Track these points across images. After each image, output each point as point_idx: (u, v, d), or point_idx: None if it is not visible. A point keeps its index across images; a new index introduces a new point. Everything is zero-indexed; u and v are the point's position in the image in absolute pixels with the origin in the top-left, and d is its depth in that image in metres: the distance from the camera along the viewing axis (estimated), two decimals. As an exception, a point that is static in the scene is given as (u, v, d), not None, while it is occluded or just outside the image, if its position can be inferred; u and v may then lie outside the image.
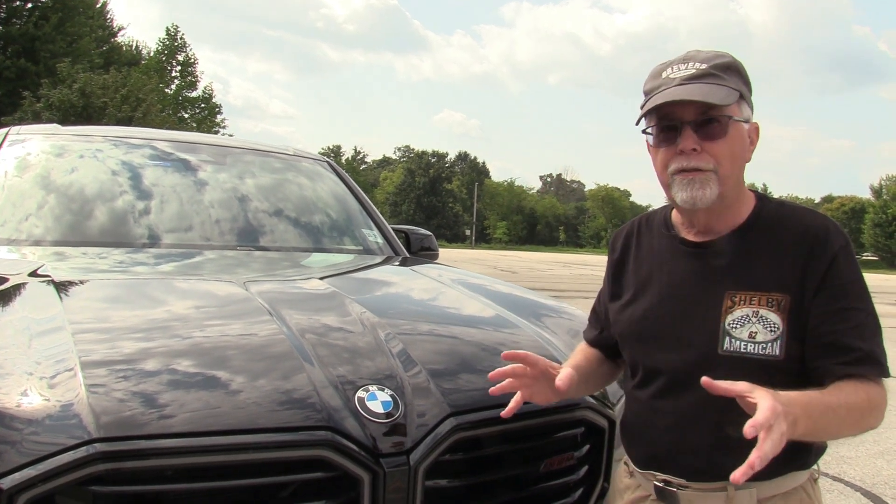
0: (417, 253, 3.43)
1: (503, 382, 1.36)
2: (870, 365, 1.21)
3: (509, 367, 1.35)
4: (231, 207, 2.95)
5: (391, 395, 1.44)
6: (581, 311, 2.18)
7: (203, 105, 40.87)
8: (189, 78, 40.64)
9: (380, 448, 1.35)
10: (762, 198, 1.37)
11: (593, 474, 1.69)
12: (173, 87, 39.91)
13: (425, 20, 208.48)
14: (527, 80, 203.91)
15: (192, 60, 40.76)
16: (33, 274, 1.98)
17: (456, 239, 77.72)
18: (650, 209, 1.69)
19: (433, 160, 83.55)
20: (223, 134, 34.60)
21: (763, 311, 1.25)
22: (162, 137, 3.33)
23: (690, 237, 1.38)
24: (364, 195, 3.52)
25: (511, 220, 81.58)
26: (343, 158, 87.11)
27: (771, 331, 1.25)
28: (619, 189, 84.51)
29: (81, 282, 2.07)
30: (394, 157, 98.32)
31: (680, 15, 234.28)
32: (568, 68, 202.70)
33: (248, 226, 2.91)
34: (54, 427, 1.23)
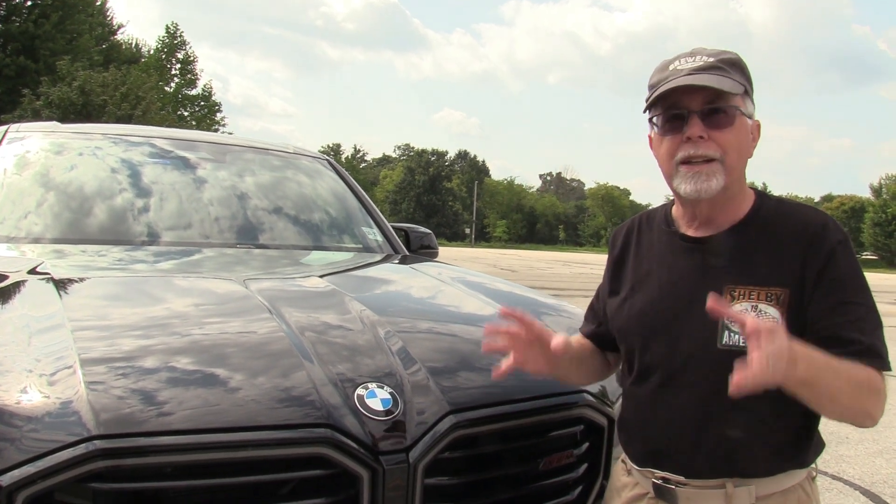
0: (417, 251, 3.43)
1: (497, 341, 1.39)
2: (870, 357, 1.20)
3: (504, 325, 1.38)
4: (230, 205, 2.95)
5: (390, 393, 1.44)
6: (580, 309, 2.18)
7: (203, 103, 40.90)
8: (189, 76, 40.67)
9: (379, 445, 1.35)
10: (762, 195, 1.39)
11: (593, 472, 1.69)
12: (173, 85, 39.92)
13: (425, 18, 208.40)
14: (527, 79, 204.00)
15: (192, 58, 40.81)
16: (33, 271, 1.98)
17: (456, 237, 77.64)
18: (650, 207, 1.70)
19: (433, 158, 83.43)
20: (223, 132, 34.62)
21: (762, 306, 1.26)
22: (161, 135, 3.33)
23: (690, 232, 1.39)
24: (364, 193, 3.52)
25: (511, 218, 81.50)
26: (343, 157, 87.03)
27: None
28: (618, 188, 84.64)
29: (81, 279, 2.08)
30: (394, 155, 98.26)
31: (680, 14, 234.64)
32: (568, 67, 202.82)
33: (248, 223, 2.91)
34: (54, 424, 1.23)
